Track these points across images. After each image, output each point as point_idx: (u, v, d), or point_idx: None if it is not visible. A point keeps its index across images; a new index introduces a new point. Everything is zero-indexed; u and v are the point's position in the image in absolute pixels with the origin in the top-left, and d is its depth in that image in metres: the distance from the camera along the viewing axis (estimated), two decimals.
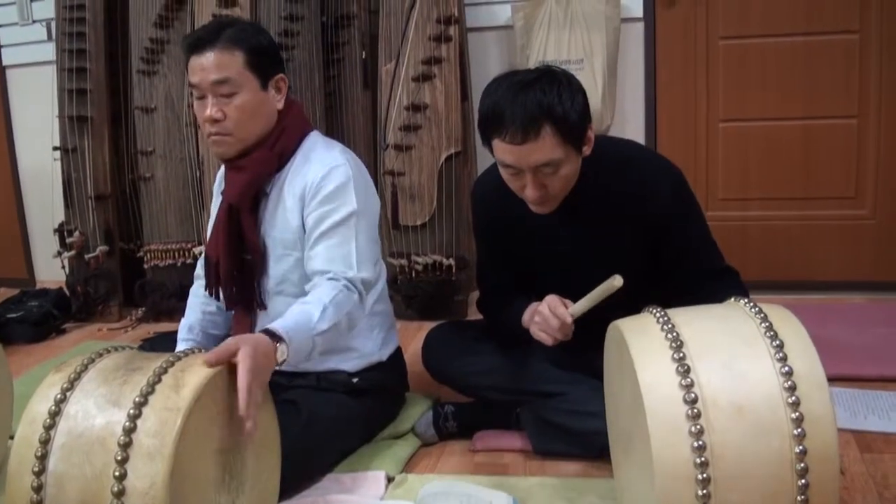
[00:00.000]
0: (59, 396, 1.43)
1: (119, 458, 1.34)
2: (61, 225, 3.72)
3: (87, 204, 3.64)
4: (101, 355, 1.54)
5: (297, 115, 2.20)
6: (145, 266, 3.65)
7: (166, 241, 3.60)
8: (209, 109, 2.02)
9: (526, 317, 2.09)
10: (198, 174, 3.52)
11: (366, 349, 2.23)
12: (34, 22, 4.03)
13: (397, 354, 2.37)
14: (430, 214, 3.33)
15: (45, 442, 1.39)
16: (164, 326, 3.47)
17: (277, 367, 1.70)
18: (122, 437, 1.36)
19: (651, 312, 1.53)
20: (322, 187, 2.06)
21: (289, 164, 2.15)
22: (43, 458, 1.39)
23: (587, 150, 1.99)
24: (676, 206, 2.06)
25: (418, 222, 3.35)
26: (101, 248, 3.63)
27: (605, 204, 2.06)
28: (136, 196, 3.73)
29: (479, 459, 2.21)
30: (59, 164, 3.69)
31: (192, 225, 3.56)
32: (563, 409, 2.14)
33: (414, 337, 2.93)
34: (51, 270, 4.10)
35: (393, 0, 3.36)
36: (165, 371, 1.45)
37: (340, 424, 2.14)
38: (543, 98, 1.86)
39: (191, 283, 2.43)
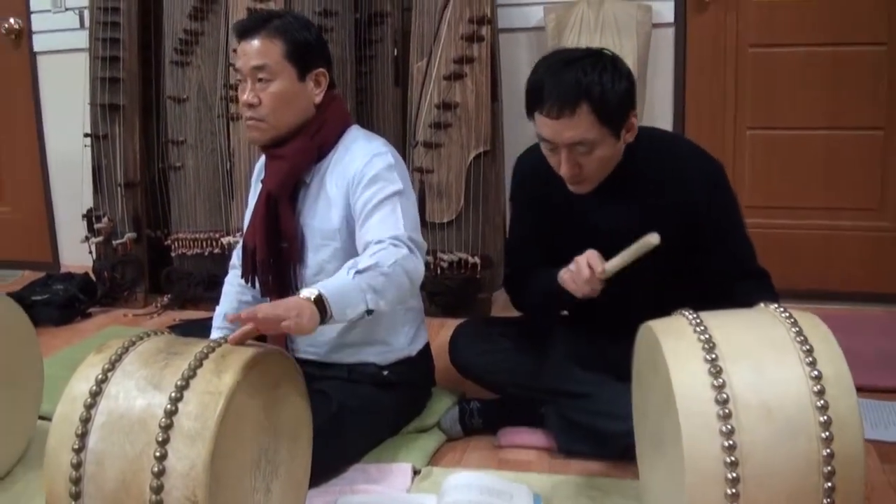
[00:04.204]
0: (99, 377, 1.46)
1: (160, 439, 1.37)
2: (89, 211, 3.75)
3: (116, 191, 3.67)
4: (140, 339, 1.57)
5: (339, 108, 2.25)
6: (172, 254, 3.67)
7: (194, 231, 3.62)
8: (246, 94, 2.11)
9: (562, 272, 2.02)
10: (228, 165, 3.54)
11: (397, 343, 2.27)
12: (67, 10, 4.05)
13: (426, 350, 2.39)
14: (457, 212, 3.35)
15: (86, 421, 1.42)
16: (189, 314, 3.50)
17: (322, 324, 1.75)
18: (163, 419, 1.39)
19: (684, 315, 1.55)
20: (366, 173, 2.10)
21: (330, 155, 2.20)
22: (83, 436, 1.41)
23: (629, 136, 2.02)
24: (712, 195, 2.07)
25: (445, 220, 3.36)
26: (129, 235, 3.66)
27: (645, 189, 2.07)
28: (165, 185, 3.76)
29: (504, 455, 2.23)
30: (88, 150, 3.72)
31: (221, 215, 3.58)
32: (589, 409, 2.15)
33: (437, 334, 2.95)
34: (75, 255, 4.14)
35: None
36: (206, 356, 1.48)
37: (369, 416, 2.18)
38: (583, 77, 1.91)
39: (218, 272, 2.46)
